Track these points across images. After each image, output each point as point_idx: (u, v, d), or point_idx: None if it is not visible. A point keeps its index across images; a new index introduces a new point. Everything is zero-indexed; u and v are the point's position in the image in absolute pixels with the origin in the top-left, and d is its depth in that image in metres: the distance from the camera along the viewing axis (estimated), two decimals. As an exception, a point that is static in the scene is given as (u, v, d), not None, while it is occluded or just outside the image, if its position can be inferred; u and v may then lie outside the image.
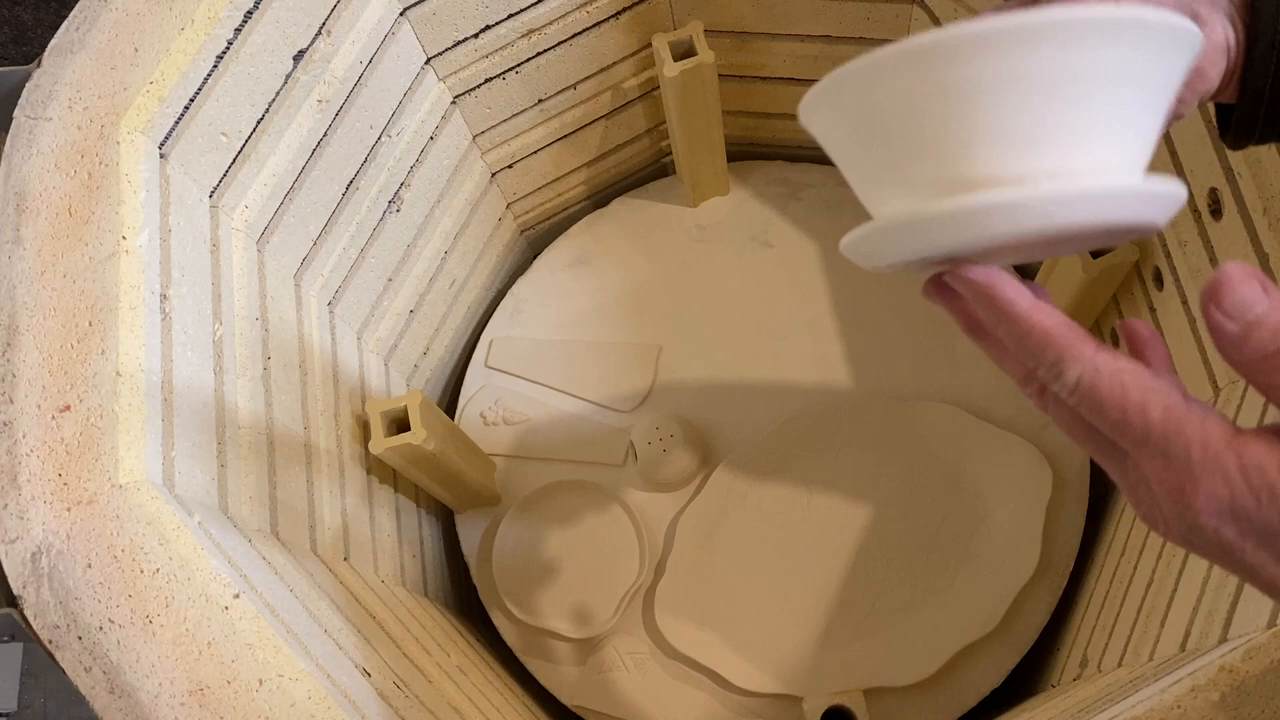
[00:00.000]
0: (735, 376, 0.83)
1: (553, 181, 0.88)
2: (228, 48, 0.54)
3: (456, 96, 0.75)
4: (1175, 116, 0.36)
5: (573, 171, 0.89)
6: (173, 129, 0.52)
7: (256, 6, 0.54)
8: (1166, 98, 0.30)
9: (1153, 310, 0.65)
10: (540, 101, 0.79)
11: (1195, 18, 0.34)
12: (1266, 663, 0.40)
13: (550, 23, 0.73)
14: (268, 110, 0.58)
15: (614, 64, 0.80)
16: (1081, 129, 0.28)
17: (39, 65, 0.52)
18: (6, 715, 1.08)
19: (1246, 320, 0.27)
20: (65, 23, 0.52)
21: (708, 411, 0.81)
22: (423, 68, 0.70)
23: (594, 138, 0.86)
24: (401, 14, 0.66)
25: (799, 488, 0.77)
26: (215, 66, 0.53)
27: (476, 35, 0.71)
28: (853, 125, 0.31)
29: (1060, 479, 0.73)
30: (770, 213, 0.89)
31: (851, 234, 0.32)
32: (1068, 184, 0.28)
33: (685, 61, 0.74)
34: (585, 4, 0.73)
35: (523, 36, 0.73)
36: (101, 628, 0.41)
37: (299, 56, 0.59)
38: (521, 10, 0.71)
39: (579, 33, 0.75)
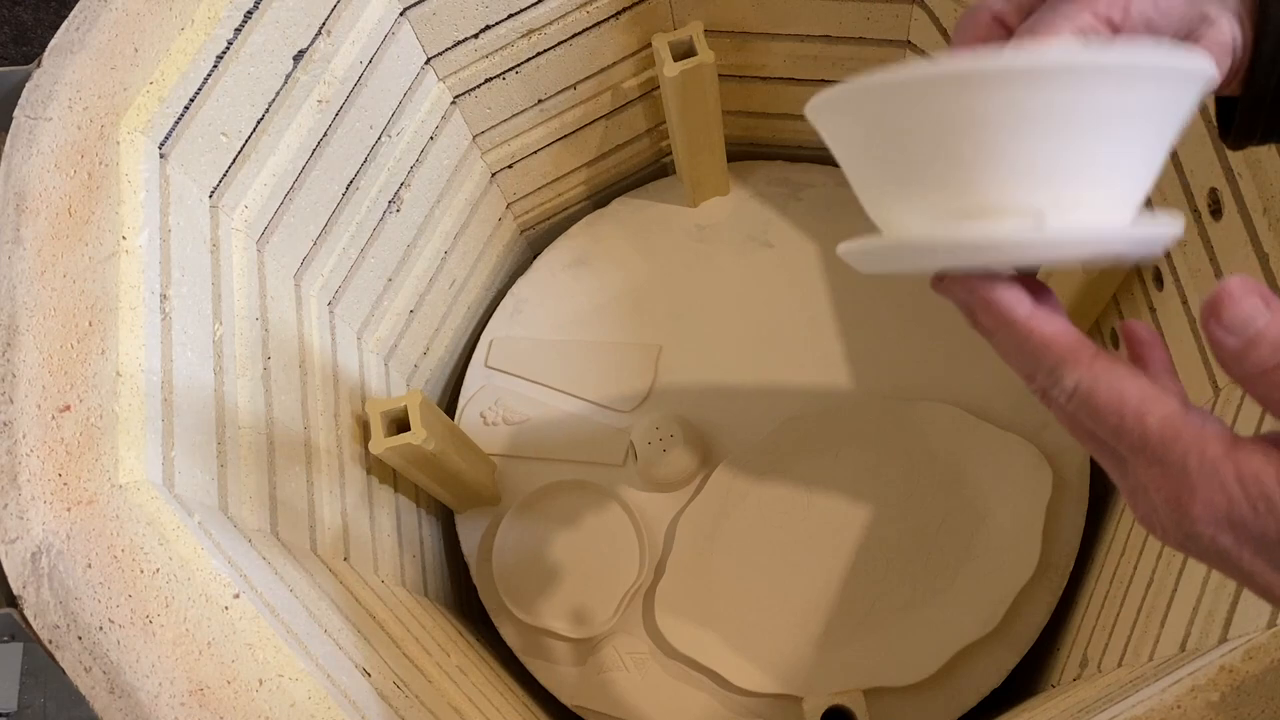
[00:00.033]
0: (735, 376, 0.83)
1: (553, 181, 0.88)
2: (228, 48, 0.54)
3: (456, 96, 0.75)
4: None
5: (573, 171, 0.89)
6: (173, 129, 0.52)
7: (256, 6, 0.55)
8: (1178, 129, 0.30)
9: (1153, 310, 0.65)
10: (540, 101, 0.79)
11: (1204, 17, 0.34)
12: (1266, 663, 0.40)
13: (550, 23, 0.73)
14: (268, 110, 0.58)
15: (614, 64, 0.80)
16: (1100, 164, 0.29)
17: (39, 65, 0.52)
18: (6, 715, 1.08)
19: (1247, 336, 0.26)
20: (65, 23, 0.52)
21: (708, 411, 0.81)
22: (423, 68, 0.70)
23: (594, 138, 0.86)
24: (401, 14, 0.66)
25: (799, 487, 0.77)
26: (215, 66, 0.53)
27: (476, 35, 0.71)
28: (867, 135, 0.31)
29: (1060, 479, 0.73)
30: (770, 213, 0.88)
31: (855, 244, 0.32)
32: (1081, 219, 0.29)
33: (685, 61, 0.74)
34: (585, 4, 0.73)
35: (523, 36, 0.73)
36: (101, 628, 0.41)
37: (299, 56, 0.59)
38: (521, 10, 0.71)
39: (579, 33, 0.75)
